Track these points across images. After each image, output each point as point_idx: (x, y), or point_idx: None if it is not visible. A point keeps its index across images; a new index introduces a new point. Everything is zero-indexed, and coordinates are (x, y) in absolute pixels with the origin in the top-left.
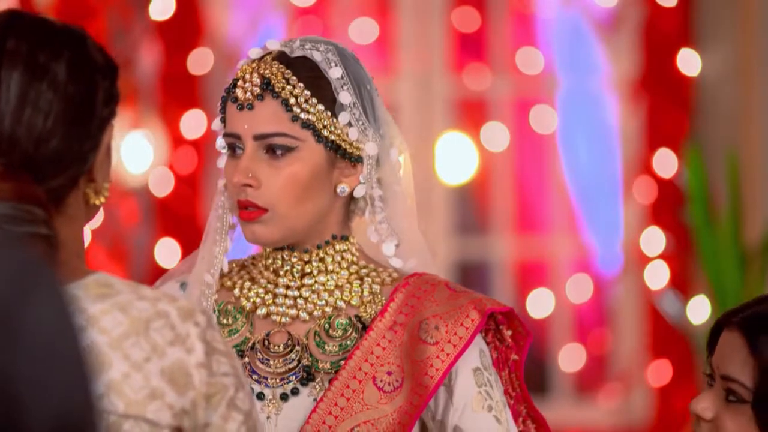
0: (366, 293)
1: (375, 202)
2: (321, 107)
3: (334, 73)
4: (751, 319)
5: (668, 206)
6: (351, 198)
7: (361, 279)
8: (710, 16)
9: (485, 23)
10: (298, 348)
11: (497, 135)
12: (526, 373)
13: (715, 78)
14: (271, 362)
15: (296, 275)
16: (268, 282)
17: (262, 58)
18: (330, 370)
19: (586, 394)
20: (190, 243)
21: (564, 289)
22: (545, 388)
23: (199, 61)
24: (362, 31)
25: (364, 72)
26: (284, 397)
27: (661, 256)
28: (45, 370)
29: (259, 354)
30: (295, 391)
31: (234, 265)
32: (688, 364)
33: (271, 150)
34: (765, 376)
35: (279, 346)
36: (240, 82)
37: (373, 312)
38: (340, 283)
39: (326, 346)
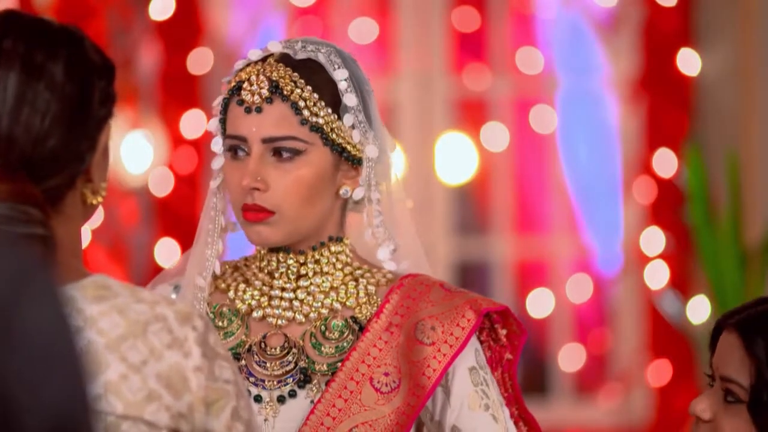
0: (361, 294)
1: (373, 205)
2: (329, 110)
3: (340, 74)
4: (748, 320)
5: (668, 206)
6: (347, 200)
7: (356, 280)
8: (710, 16)
9: (485, 23)
10: (294, 350)
11: (497, 135)
12: (526, 373)
13: (715, 78)
14: (268, 365)
15: (291, 277)
16: (263, 284)
17: (265, 60)
18: (327, 372)
19: (586, 394)
20: (189, 243)
21: (564, 289)
22: (545, 388)
23: (199, 61)
24: (362, 31)
25: (362, 73)
26: (281, 399)
27: (661, 256)
28: (41, 371)
29: (255, 356)
30: (292, 394)
31: (227, 267)
32: (687, 364)
33: (278, 153)
34: (760, 377)
35: (276, 349)
36: (246, 85)
37: (368, 313)
38: (335, 285)
39: (322, 348)
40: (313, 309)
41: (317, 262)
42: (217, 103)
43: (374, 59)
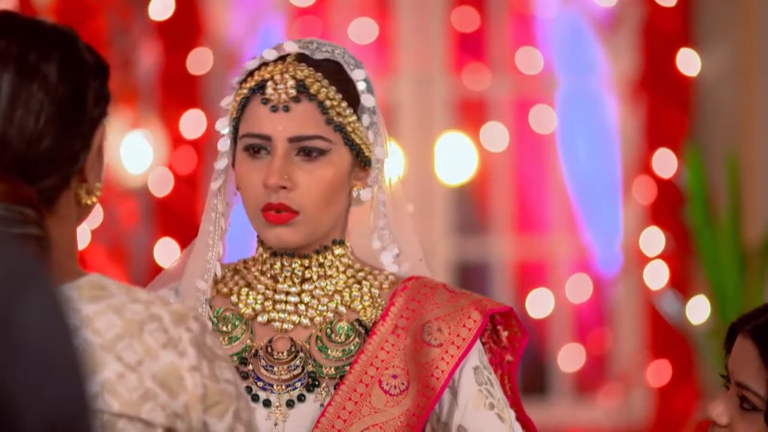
0: (366, 297)
1: (380, 207)
2: (350, 110)
3: (358, 74)
4: (764, 328)
5: (668, 206)
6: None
7: (359, 283)
8: (710, 16)
9: (485, 23)
10: (302, 354)
11: (497, 135)
12: (526, 373)
13: (715, 78)
14: (276, 369)
15: (296, 281)
16: (267, 288)
17: (282, 59)
18: (335, 375)
19: (585, 394)
20: (189, 243)
21: (564, 289)
22: (545, 388)
23: (199, 61)
24: (362, 31)
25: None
26: (290, 403)
27: (661, 256)
28: (39, 371)
29: (262, 361)
30: (301, 398)
31: (227, 270)
32: (687, 364)
33: (303, 152)
34: None
35: (283, 353)
36: (270, 84)
37: (373, 316)
38: (338, 288)
39: (329, 351)
40: (319, 312)
41: (321, 265)
42: (227, 103)
43: (374, 59)
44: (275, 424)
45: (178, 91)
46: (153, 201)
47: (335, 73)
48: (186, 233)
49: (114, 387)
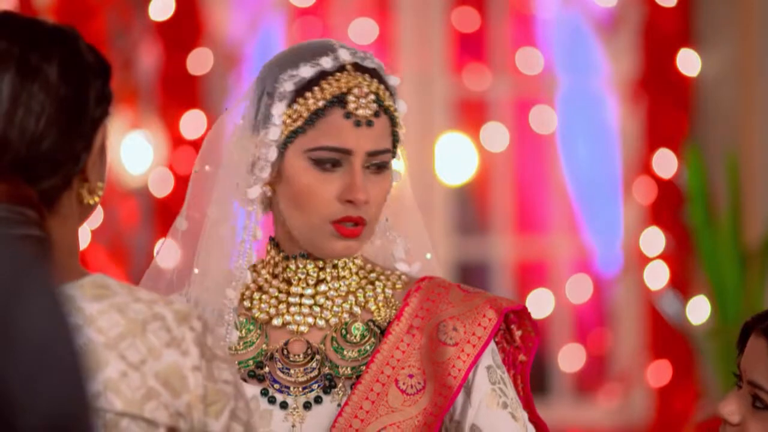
0: (380, 298)
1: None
2: (400, 120)
3: (394, 81)
4: None
5: (668, 206)
6: None
7: (372, 284)
8: (710, 16)
9: (485, 23)
10: (318, 357)
11: (497, 135)
12: None
13: (715, 78)
14: (292, 371)
15: (311, 283)
16: (280, 291)
17: (342, 68)
18: (351, 375)
19: (585, 394)
20: None
21: (564, 289)
22: (545, 388)
23: (199, 62)
24: (362, 31)
25: None
26: (307, 405)
27: (661, 257)
28: (38, 370)
29: (279, 363)
30: (318, 400)
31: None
32: (687, 364)
33: (373, 166)
34: None
35: (299, 356)
36: (352, 98)
37: (387, 316)
38: (352, 289)
39: (345, 352)
40: (334, 314)
41: (335, 266)
42: (281, 112)
43: None
44: (293, 426)
45: (178, 92)
46: (153, 201)
47: (386, 84)
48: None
49: (117, 386)
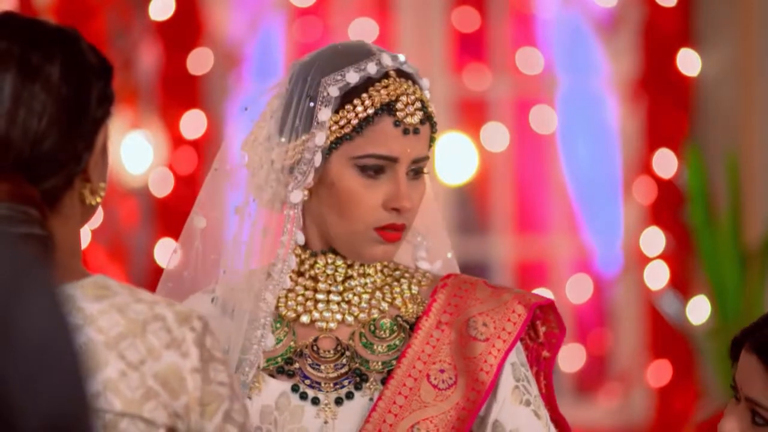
0: (406, 294)
1: None
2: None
3: (425, 84)
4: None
5: (668, 206)
6: None
7: (397, 281)
8: (710, 16)
9: (485, 23)
10: (348, 353)
11: (497, 135)
12: None
13: (715, 78)
14: (322, 367)
15: (339, 279)
16: (306, 289)
17: (387, 75)
18: (382, 370)
19: (586, 394)
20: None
21: (564, 289)
22: None
23: (199, 61)
24: (362, 31)
25: None
26: (339, 401)
27: (661, 257)
28: (37, 370)
29: (309, 359)
30: (349, 395)
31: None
32: (687, 364)
33: (413, 172)
34: None
35: (329, 352)
36: (400, 106)
37: (414, 312)
38: (378, 286)
39: (374, 347)
40: (362, 310)
41: (362, 264)
42: (327, 117)
43: None
44: (325, 422)
45: (179, 92)
46: (153, 201)
47: (422, 88)
48: None
49: (116, 385)
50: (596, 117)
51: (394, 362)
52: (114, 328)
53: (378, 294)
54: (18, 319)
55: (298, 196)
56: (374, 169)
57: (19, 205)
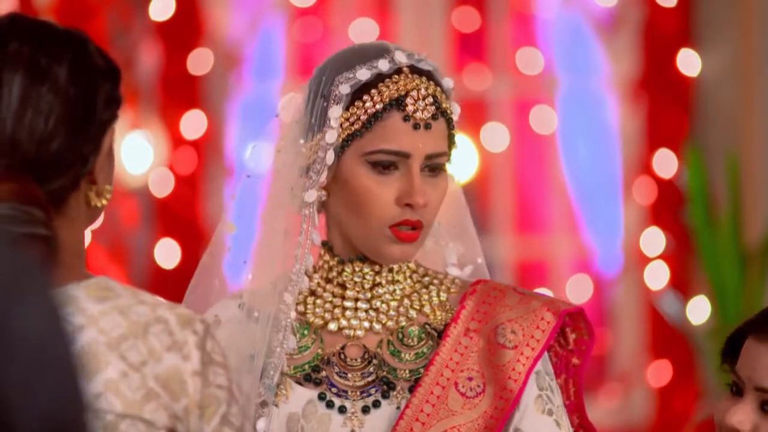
0: (435, 301)
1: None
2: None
3: (447, 83)
4: None
5: (668, 206)
6: None
7: (426, 287)
8: (710, 16)
9: (485, 23)
10: (375, 361)
11: (497, 135)
12: None
13: (715, 78)
14: (350, 375)
15: (366, 287)
16: (334, 296)
17: (399, 71)
18: (409, 378)
19: (586, 394)
20: (189, 244)
21: (564, 289)
22: None
23: (199, 62)
24: (362, 31)
25: None
26: (366, 409)
27: (661, 257)
28: (34, 373)
29: (335, 367)
30: (376, 404)
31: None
32: (688, 364)
33: (430, 168)
34: None
35: (356, 360)
36: (410, 101)
37: (443, 320)
38: (406, 293)
39: (402, 355)
40: (390, 317)
41: (390, 270)
42: (338, 115)
43: None
44: (352, 431)
45: (179, 92)
46: (153, 201)
47: (442, 86)
48: (186, 234)
49: (117, 386)
50: (596, 117)
51: (421, 370)
52: (115, 330)
53: (406, 301)
54: (15, 320)
55: (312, 195)
56: (385, 164)
57: (23, 205)
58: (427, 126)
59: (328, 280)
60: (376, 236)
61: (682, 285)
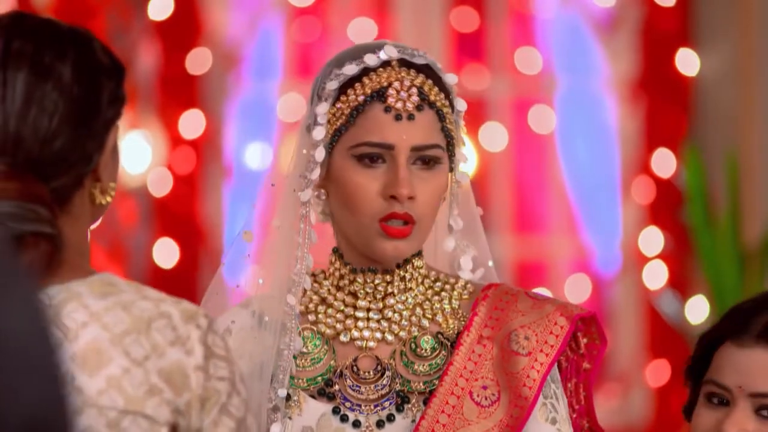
0: (447, 309)
1: (454, 213)
2: (454, 117)
3: (450, 79)
4: None
5: (667, 206)
6: None
7: (438, 294)
8: (709, 16)
9: (484, 23)
10: (388, 373)
11: (496, 135)
12: None
13: (714, 78)
14: (363, 389)
15: (378, 297)
16: (345, 305)
17: (387, 64)
18: (424, 390)
19: None
20: (188, 243)
21: (563, 289)
22: None
23: (198, 61)
24: (361, 31)
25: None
26: (380, 423)
27: (660, 256)
28: (18, 374)
29: (348, 381)
30: (390, 418)
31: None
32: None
33: (421, 161)
34: None
35: (369, 372)
36: (392, 92)
37: (455, 328)
38: (419, 301)
39: (415, 366)
40: (402, 327)
41: (402, 279)
42: (324, 111)
43: None
44: None
45: (178, 91)
46: (152, 201)
47: (438, 80)
48: (185, 233)
49: (119, 382)
50: (595, 117)
51: (435, 382)
52: (119, 325)
53: (418, 311)
54: None
55: (307, 194)
56: (372, 158)
57: (28, 203)
58: (411, 117)
59: (339, 288)
60: (367, 232)
61: (680, 285)
